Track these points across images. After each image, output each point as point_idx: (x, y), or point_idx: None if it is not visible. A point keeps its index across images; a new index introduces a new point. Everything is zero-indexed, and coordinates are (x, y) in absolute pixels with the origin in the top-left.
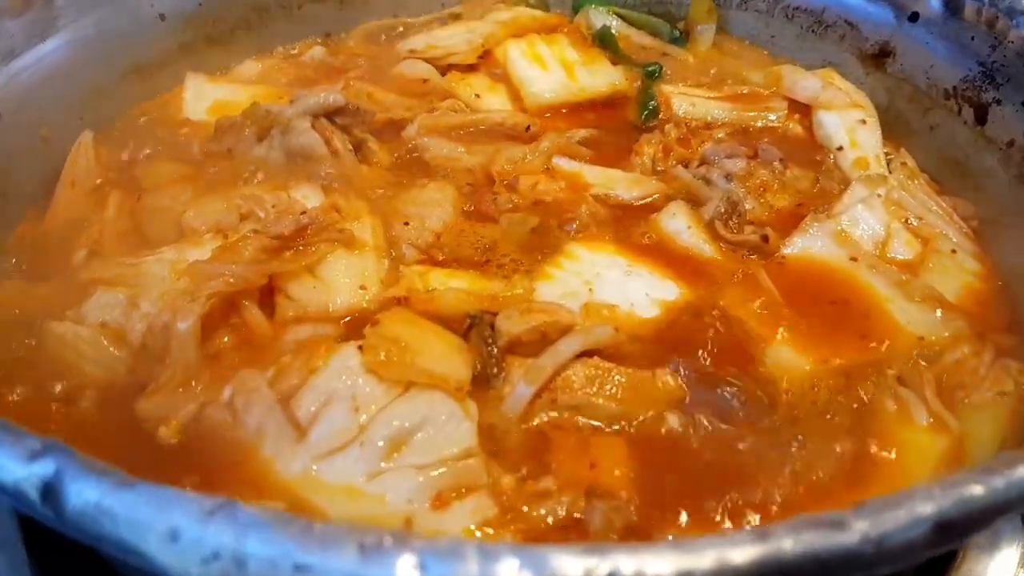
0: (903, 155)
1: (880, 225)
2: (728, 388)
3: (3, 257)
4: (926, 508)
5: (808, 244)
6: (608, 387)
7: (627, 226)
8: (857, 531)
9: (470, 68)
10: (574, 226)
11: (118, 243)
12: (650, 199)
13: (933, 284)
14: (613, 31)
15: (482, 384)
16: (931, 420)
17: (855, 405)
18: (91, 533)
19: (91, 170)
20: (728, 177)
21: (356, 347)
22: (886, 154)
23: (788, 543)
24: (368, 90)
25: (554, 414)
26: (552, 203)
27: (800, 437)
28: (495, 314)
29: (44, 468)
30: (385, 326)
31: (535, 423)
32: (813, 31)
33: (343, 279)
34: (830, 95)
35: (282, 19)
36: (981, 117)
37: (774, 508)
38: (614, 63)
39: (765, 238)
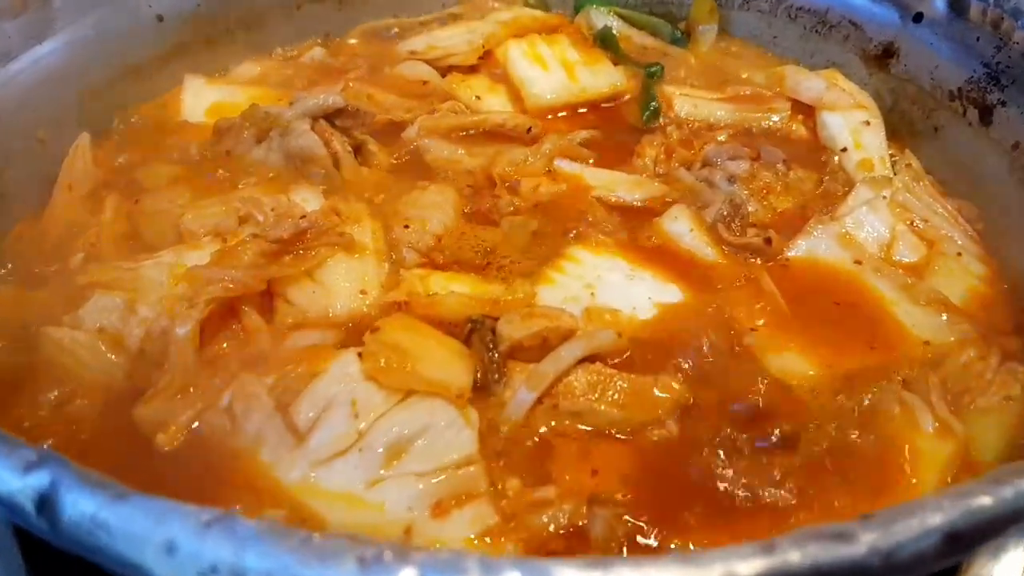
0: (908, 157)
1: (885, 228)
2: (730, 393)
3: None
4: (935, 519)
5: (812, 247)
6: (610, 393)
7: (629, 229)
8: (864, 543)
9: (470, 69)
10: (575, 232)
11: (116, 246)
12: (652, 201)
13: (938, 287)
14: (614, 31)
15: (483, 390)
16: (937, 426)
17: (860, 410)
18: (87, 546)
19: (88, 173)
20: (731, 179)
21: (356, 354)
22: (890, 156)
23: (795, 556)
24: (368, 91)
25: (555, 421)
26: (553, 206)
27: (805, 443)
28: (496, 319)
29: (39, 480)
30: (385, 332)
31: (536, 429)
32: (816, 31)
33: (343, 283)
34: (834, 96)
35: (281, 20)
36: (986, 119)
37: (779, 516)
38: (615, 64)
39: (768, 241)
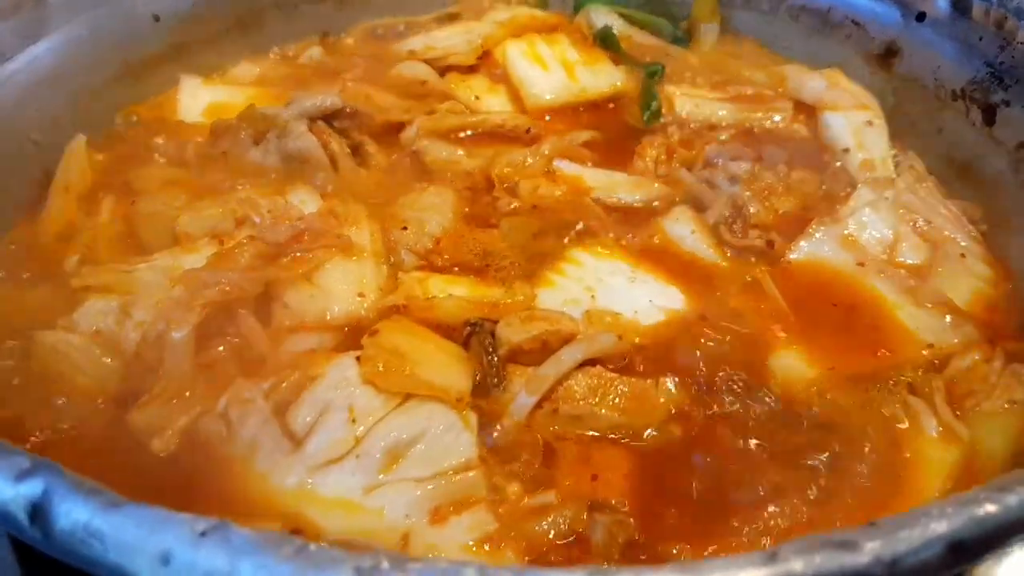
0: (911, 157)
1: (888, 229)
2: (733, 398)
3: None
4: (939, 527)
5: (814, 249)
6: (611, 397)
7: (630, 230)
8: (868, 552)
9: (469, 69)
10: (575, 234)
11: (111, 249)
12: (653, 203)
13: (942, 289)
14: (614, 31)
15: (482, 394)
16: (941, 430)
17: (863, 415)
18: (80, 556)
19: (84, 174)
20: (732, 180)
21: (354, 357)
22: (893, 156)
23: (798, 565)
24: (366, 92)
25: (555, 425)
26: (553, 207)
27: (807, 448)
28: (495, 322)
29: (32, 488)
30: (383, 336)
31: (536, 434)
32: (818, 31)
33: (341, 286)
34: (836, 96)
35: (278, 19)
36: (989, 119)
37: (781, 522)
38: (616, 63)
39: (770, 243)
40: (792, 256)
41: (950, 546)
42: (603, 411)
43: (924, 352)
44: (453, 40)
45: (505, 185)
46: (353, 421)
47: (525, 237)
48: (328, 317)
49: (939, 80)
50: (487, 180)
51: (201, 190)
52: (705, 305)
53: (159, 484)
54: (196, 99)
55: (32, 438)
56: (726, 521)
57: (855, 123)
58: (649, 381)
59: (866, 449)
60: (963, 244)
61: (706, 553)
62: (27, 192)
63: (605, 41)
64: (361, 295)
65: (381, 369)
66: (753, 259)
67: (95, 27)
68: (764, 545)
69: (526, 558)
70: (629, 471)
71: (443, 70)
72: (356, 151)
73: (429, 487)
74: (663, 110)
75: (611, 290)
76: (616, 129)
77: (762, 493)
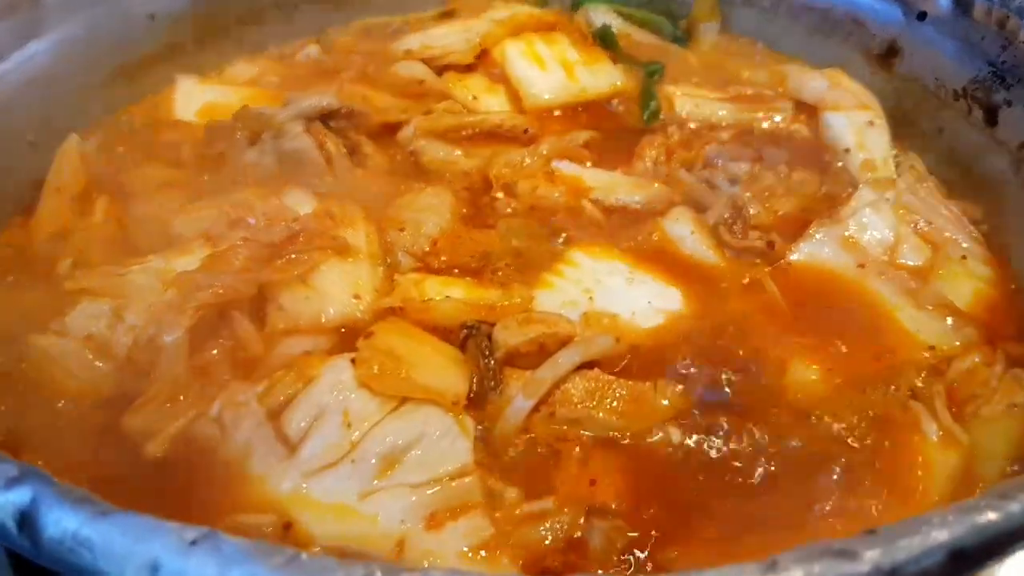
0: (912, 158)
1: (888, 230)
2: (732, 400)
3: None
4: (940, 536)
5: (815, 250)
6: (608, 400)
7: (629, 232)
8: (868, 560)
9: (467, 69)
10: (574, 235)
11: (105, 251)
12: (652, 204)
13: (943, 291)
14: (613, 29)
15: (479, 398)
16: (941, 435)
17: (864, 418)
18: (69, 564)
19: (78, 175)
20: (732, 180)
21: (349, 360)
22: (894, 156)
23: (797, 574)
24: (363, 92)
25: (553, 429)
26: (552, 208)
27: (807, 452)
28: (492, 324)
29: (20, 496)
30: (379, 338)
31: (533, 438)
32: (819, 29)
33: (336, 288)
34: (837, 96)
35: (275, 19)
36: (991, 119)
37: (781, 528)
38: (615, 62)
39: (771, 244)
40: (792, 257)
41: (951, 555)
42: (601, 414)
43: (925, 354)
44: (451, 39)
45: (503, 185)
46: (348, 425)
47: (523, 238)
48: (323, 319)
49: (940, 80)
50: (485, 180)
51: (196, 192)
52: (704, 307)
53: (152, 488)
54: (192, 99)
55: (22, 443)
56: (725, 527)
57: (856, 123)
58: (648, 384)
59: (866, 453)
60: (964, 245)
61: (704, 559)
62: (22, 193)
63: (604, 40)
64: (357, 297)
65: (376, 372)
66: (753, 260)
67: (90, 27)
68: (763, 552)
69: (523, 564)
70: (627, 475)
71: (440, 69)
72: (353, 151)
73: (425, 493)
74: (663, 110)
75: (609, 292)
76: (615, 129)
77: (760, 499)
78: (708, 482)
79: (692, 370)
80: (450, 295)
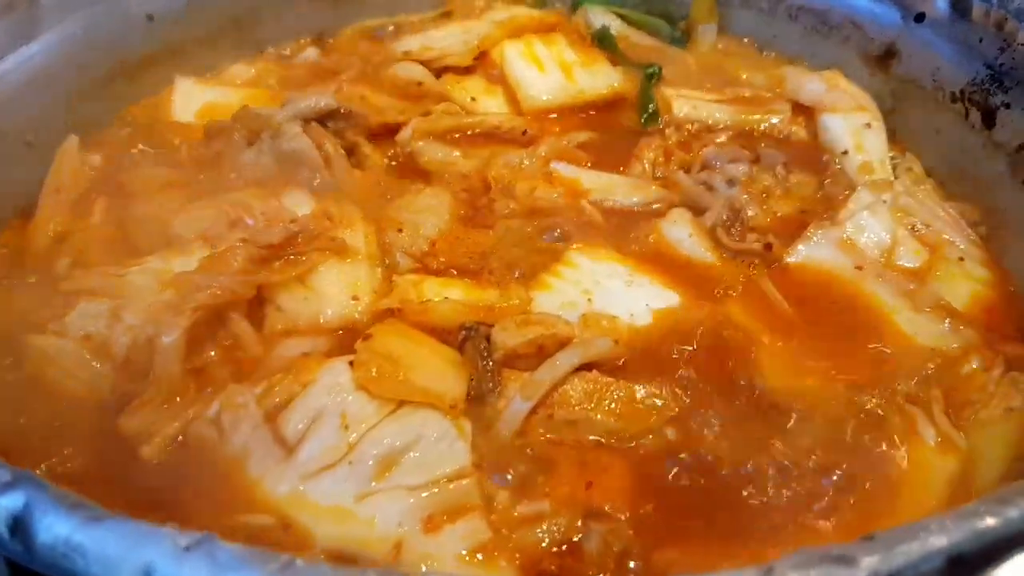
0: (909, 160)
1: (886, 232)
2: (729, 403)
3: None
4: (938, 541)
5: (812, 252)
6: (607, 402)
7: (627, 233)
8: (865, 567)
9: (466, 70)
10: (572, 237)
11: (103, 252)
12: (651, 205)
13: (941, 293)
14: (612, 31)
15: (477, 400)
16: (939, 440)
17: (861, 422)
18: (62, 570)
19: (76, 176)
20: (730, 182)
21: (347, 362)
22: (892, 158)
23: None
24: (361, 93)
25: (551, 431)
26: (550, 209)
27: (803, 456)
28: (491, 326)
29: (13, 501)
30: (377, 340)
31: (531, 440)
32: (817, 31)
33: (335, 289)
34: (835, 97)
35: (273, 19)
36: (989, 121)
37: (778, 533)
38: (613, 64)
39: (768, 246)
40: (790, 259)
41: (950, 560)
42: (599, 416)
43: (922, 357)
44: (449, 41)
45: (501, 187)
46: (346, 428)
47: (521, 240)
48: (321, 320)
49: (938, 82)
50: (483, 182)
51: (195, 192)
52: (702, 308)
53: (149, 490)
54: (190, 100)
55: (21, 444)
56: (722, 531)
57: (854, 125)
58: (646, 385)
59: (864, 459)
60: (962, 247)
61: (701, 563)
62: (21, 194)
63: (602, 41)
64: (355, 298)
65: (374, 374)
66: (751, 262)
67: (89, 27)
68: (760, 556)
69: (520, 567)
70: (625, 477)
71: (439, 71)
72: (351, 152)
73: (422, 495)
74: (661, 112)
75: (608, 293)
76: (613, 131)
77: (758, 502)
78: (705, 486)
79: (689, 371)
80: (448, 296)
